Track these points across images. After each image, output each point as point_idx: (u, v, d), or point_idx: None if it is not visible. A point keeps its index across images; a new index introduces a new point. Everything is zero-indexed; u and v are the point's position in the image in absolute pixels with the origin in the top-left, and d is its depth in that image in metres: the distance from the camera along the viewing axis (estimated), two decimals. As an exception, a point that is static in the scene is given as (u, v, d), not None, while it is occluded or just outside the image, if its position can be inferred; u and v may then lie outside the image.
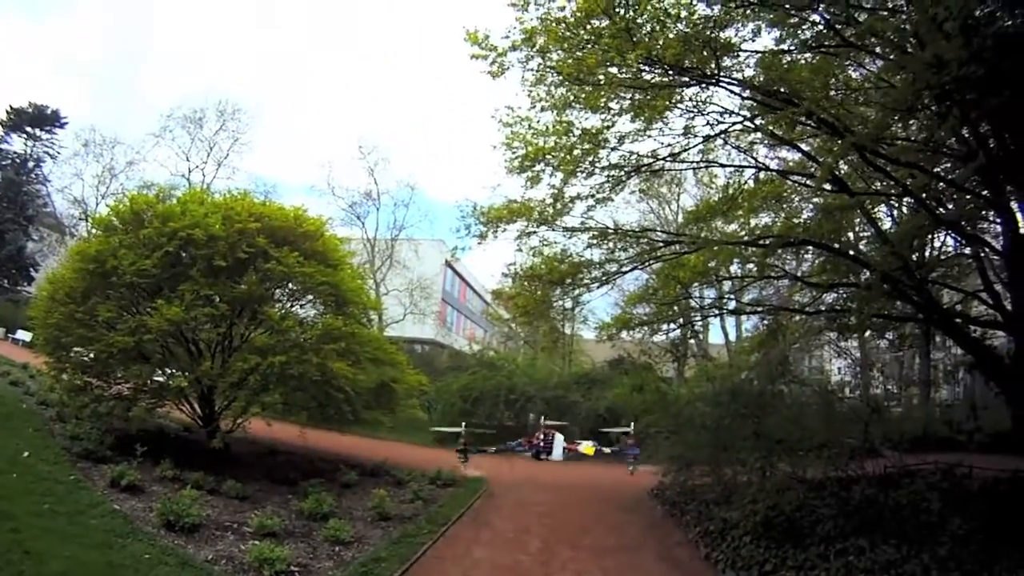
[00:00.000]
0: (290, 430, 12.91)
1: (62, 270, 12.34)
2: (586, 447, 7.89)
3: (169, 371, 11.32)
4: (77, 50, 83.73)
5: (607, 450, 7.73)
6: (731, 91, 9.61)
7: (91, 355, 10.97)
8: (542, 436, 7.69)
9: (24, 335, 30.60)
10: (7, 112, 44.63)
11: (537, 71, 9.99)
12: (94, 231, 13.26)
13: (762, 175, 11.61)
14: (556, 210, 11.09)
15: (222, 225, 10.53)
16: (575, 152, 10.45)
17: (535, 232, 11.46)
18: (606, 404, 18.38)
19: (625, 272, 12.38)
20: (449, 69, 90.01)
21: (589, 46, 9.20)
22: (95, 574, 5.79)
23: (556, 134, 10.57)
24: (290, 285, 11.95)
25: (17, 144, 44.97)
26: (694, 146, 10.66)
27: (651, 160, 10.96)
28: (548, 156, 10.50)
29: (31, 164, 44.73)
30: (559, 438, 7.68)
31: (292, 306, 12.57)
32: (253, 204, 12.11)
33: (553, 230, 11.53)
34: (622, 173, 11.00)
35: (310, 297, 12.51)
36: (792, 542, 7.52)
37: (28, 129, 45.10)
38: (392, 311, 30.48)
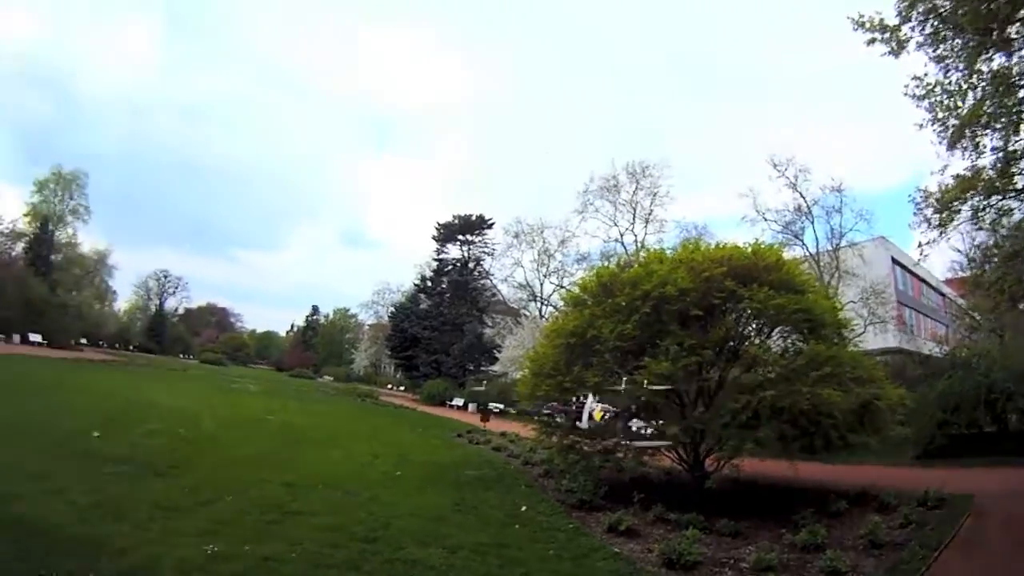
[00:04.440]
0: (766, 464, 12.59)
1: (540, 348, 14.24)
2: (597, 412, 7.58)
3: (653, 421, 12.38)
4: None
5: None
6: None
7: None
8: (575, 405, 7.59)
9: (496, 407, 36.95)
10: (436, 228, 57.39)
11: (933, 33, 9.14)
12: (563, 307, 15.39)
13: None
14: (1004, 174, 9.34)
15: (689, 277, 11.02)
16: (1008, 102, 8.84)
17: (989, 205, 9.86)
18: None
19: None
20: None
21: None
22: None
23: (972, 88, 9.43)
24: (760, 320, 11.82)
25: (454, 251, 57.24)
26: None
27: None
28: (982, 117, 9.10)
29: (471, 264, 56.13)
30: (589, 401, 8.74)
31: (765, 340, 12.38)
32: (711, 250, 12.36)
33: (1006, 197, 9.79)
34: None
35: (778, 328, 12.15)
36: None
37: (460, 237, 56.86)
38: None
